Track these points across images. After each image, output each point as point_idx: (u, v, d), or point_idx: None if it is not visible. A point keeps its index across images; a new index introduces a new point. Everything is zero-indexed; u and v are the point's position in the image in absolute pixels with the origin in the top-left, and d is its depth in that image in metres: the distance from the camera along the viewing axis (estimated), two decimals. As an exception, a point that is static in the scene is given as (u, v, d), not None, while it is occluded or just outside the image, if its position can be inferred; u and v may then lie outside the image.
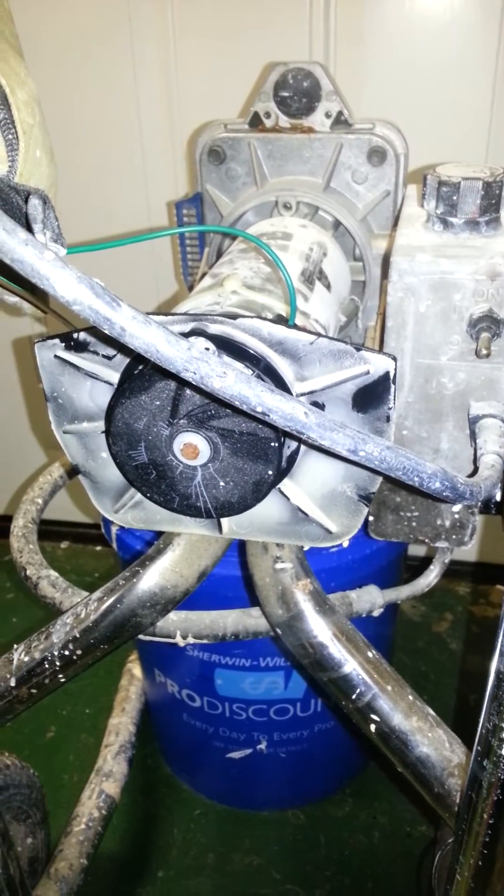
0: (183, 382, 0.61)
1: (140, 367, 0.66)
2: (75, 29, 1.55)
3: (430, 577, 1.10)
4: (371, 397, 0.67)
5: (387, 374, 0.65)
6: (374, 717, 0.74)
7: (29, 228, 0.53)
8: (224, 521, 0.77)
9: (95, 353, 0.70)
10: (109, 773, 1.33)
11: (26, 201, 0.54)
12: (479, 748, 0.58)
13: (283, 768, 1.35)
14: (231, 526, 0.78)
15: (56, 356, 0.71)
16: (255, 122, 1.14)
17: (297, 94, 1.11)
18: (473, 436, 0.75)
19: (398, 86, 1.48)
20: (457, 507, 0.80)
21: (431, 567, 1.10)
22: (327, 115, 1.11)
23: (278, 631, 0.80)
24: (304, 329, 0.67)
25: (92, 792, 1.29)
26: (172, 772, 1.54)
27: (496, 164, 0.76)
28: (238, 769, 1.35)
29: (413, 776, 0.74)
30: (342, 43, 1.47)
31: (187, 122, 1.59)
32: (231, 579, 1.02)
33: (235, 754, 1.32)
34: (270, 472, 0.66)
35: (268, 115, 1.13)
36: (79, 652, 0.80)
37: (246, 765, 1.33)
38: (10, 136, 0.53)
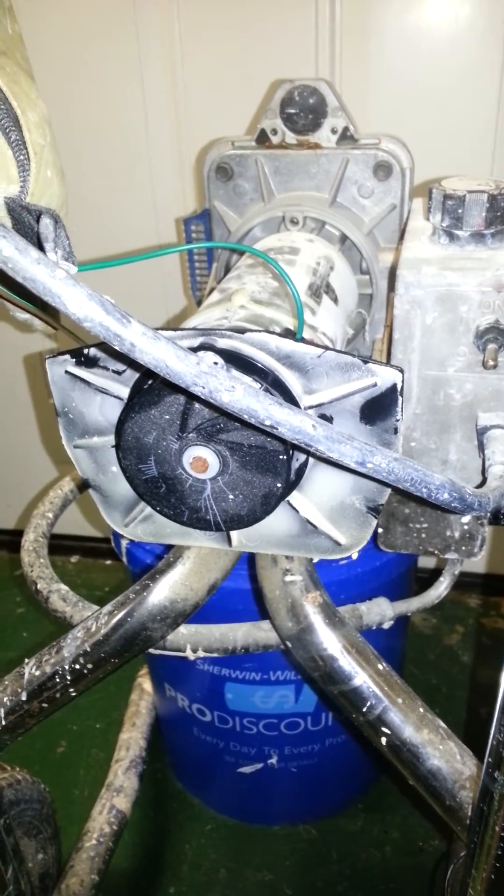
0: (192, 397, 0.61)
1: (149, 382, 0.67)
2: (85, 48, 1.57)
3: (440, 588, 1.10)
4: (379, 409, 0.67)
5: (394, 386, 0.66)
6: (384, 729, 0.74)
7: (41, 247, 0.54)
8: (233, 533, 0.77)
9: (105, 368, 0.70)
10: (120, 789, 1.33)
11: (38, 221, 0.55)
12: (490, 760, 0.58)
13: (295, 783, 1.34)
14: (240, 539, 0.78)
15: (67, 372, 0.72)
16: (262, 139, 1.15)
17: (304, 111, 1.12)
18: (481, 447, 0.75)
19: (403, 100, 1.50)
20: (466, 519, 0.80)
21: (441, 579, 1.10)
22: (333, 131, 1.12)
23: (288, 644, 0.80)
24: (311, 342, 0.67)
25: (103, 807, 1.29)
26: (183, 787, 1.53)
27: (502, 177, 0.77)
28: (249, 784, 1.35)
29: (424, 789, 0.73)
30: (347, 59, 1.48)
31: (195, 140, 1.61)
32: (241, 592, 1.02)
33: (246, 769, 1.31)
34: (279, 485, 0.66)
35: (274, 131, 1.14)
36: (90, 666, 0.80)
37: (257, 779, 1.32)
38: (22, 157, 0.54)
